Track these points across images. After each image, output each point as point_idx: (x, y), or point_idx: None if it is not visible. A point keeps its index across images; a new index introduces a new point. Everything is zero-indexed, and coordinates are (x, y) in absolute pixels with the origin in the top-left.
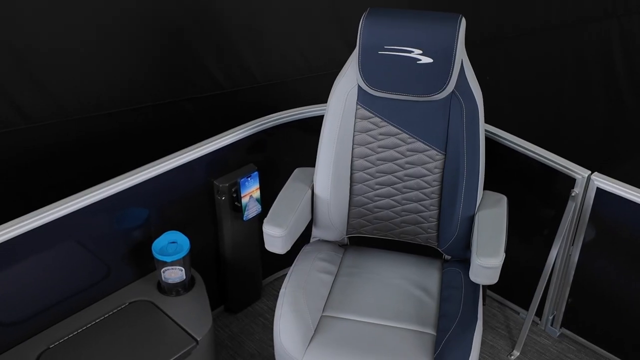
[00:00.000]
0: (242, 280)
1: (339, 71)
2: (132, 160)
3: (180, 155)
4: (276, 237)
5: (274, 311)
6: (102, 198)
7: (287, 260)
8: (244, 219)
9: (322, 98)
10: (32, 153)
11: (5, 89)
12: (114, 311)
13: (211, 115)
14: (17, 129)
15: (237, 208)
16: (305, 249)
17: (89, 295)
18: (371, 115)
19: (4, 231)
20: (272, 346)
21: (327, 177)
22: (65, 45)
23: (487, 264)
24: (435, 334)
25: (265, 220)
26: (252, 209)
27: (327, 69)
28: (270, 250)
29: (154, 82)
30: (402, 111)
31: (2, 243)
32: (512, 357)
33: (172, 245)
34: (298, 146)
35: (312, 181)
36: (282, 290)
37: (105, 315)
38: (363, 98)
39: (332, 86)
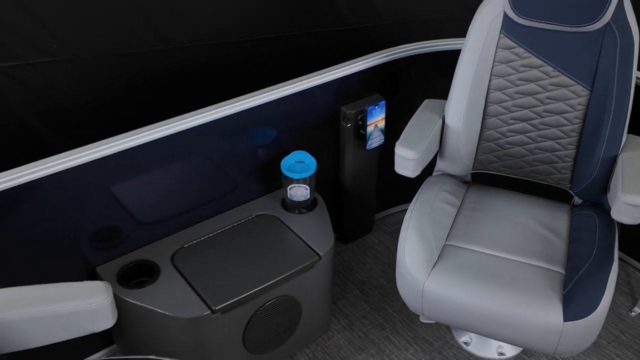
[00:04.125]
0: (357, 210)
1: (466, 14)
2: (257, 88)
3: (309, 78)
4: (408, 160)
5: (385, 244)
6: (233, 113)
7: (400, 197)
8: (367, 148)
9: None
10: (165, 73)
11: (143, 11)
12: (242, 221)
13: (333, 50)
14: (153, 49)
15: (361, 136)
16: (430, 180)
17: (219, 205)
18: (514, 45)
19: (147, 133)
20: (382, 277)
21: (460, 108)
22: None
23: (634, 202)
24: (564, 272)
25: (397, 143)
26: (375, 139)
27: (453, 13)
28: (400, 172)
29: (281, 15)
30: (549, 42)
31: (145, 144)
32: (633, 313)
33: (299, 165)
34: (426, 80)
35: (443, 112)
36: (407, 215)
37: (234, 224)
38: (508, 26)
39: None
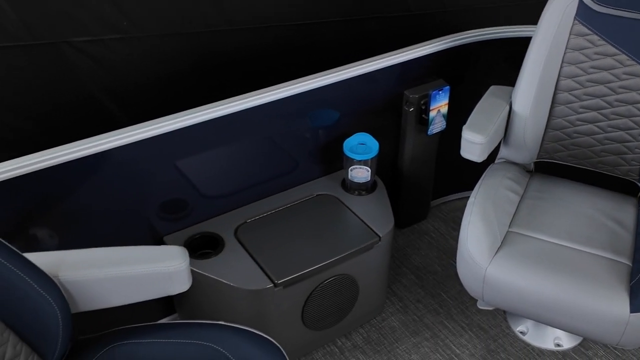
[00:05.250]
0: (413, 196)
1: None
2: (317, 71)
3: (373, 61)
4: (476, 144)
5: (440, 231)
6: (297, 93)
7: (456, 186)
8: (428, 133)
9: None
10: (230, 53)
11: None
12: (303, 200)
13: (394, 35)
14: (219, 29)
15: (423, 121)
16: (493, 166)
17: (280, 183)
18: (589, 32)
19: (212, 110)
20: (437, 263)
21: (529, 95)
22: None
23: None
24: (630, 264)
25: (465, 127)
26: (437, 124)
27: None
28: (466, 156)
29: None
30: (626, 30)
31: (210, 121)
32: None
33: (361, 146)
34: (491, 67)
35: (510, 98)
36: (470, 200)
37: (295, 202)
38: (582, 13)
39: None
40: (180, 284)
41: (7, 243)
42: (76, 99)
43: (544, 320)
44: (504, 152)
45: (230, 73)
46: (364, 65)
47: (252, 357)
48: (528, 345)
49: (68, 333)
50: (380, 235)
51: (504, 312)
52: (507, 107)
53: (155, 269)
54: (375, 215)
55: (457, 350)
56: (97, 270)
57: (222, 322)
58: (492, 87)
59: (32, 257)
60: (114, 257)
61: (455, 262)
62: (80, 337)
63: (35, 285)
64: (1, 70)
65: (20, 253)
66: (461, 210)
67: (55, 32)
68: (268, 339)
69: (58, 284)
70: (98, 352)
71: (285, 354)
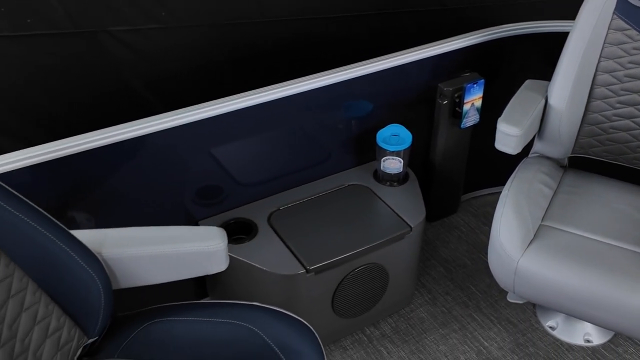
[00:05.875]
0: (444, 189)
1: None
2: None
3: (407, 53)
4: (511, 136)
5: (470, 226)
6: (330, 83)
7: (487, 181)
8: (461, 126)
9: None
10: (265, 45)
11: None
12: (335, 189)
13: (428, 30)
14: (255, 21)
15: (457, 114)
16: (527, 160)
17: (312, 172)
18: (628, 27)
19: (246, 98)
20: (467, 257)
21: (565, 89)
22: None
23: None
24: None
25: (500, 119)
26: (471, 117)
27: None
28: (501, 149)
29: None
30: None
31: (244, 109)
32: None
33: (394, 137)
34: (527, 61)
35: (546, 93)
36: (504, 192)
37: (327, 191)
38: (622, 8)
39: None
40: (218, 264)
41: (54, 219)
42: (113, 87)
43: (575, 313)
44: (538, 147)
45: (264, 64)
46: (397, 58)
47: (286, 337)
48: (557, 340)
49: (109, 309)
50: (412, 226)
51: (534, 306)
52: (543, 101)
53: (194, 249)
54: (407, 206)
55: (486, 343)
56: (139, 248)
57: (257, 303)
58: (527, 81)
59: (77, 234)
60: (155, 235)
61: (486, 256)
62: (118, 314)
63: (80, 261)
64: (43, 57)
65: (66, 229)
66: (491, 205)
67: (95, 21)
68: (302, 321)
69: (101, 261)
70: (137, 328)
71: (317, 336)
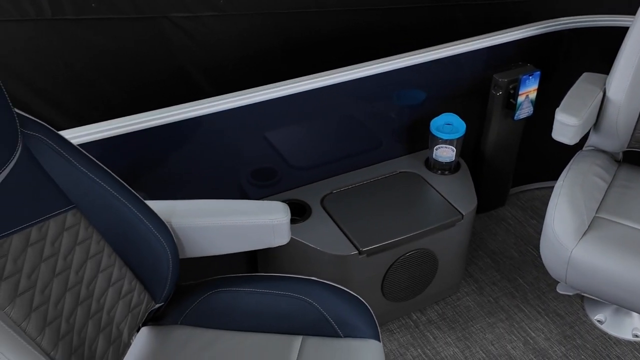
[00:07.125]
0: (493, 181)
1: None
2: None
3: (462, 43)
4: (569, 126)
5: (518, 219)
6: (381, 72)
7: (536, 175)
8: (515, 118)
9: None
10: (319, 35)
11: None
12: (386, 175)
13: (476, 23)
14: (310, 11)
15: (511, 105)
16: (582, 153)
17: (365, 158)
18: None
19: (301, 83)
20: (514, 249)
21: (624, 82)
22: None
23: None
24: None
25: (558, 109)
26: (524, 109)
27: None
28: (558, 139)
29: None
30: None
31: (299, 94)
32: None
33: (448, 126)
34: (584, 54)
35: (604, 85)
36: (558, 183)
37: (379, 177)
38: None
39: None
40: (281, 237)
41: (131, 189)
42: (169, 72)
43: (626, 304)
44: (593, 140)
45: (317, 53)
46: (453, 48)
47: (342, 312)
48: (605, 334)
49: (175, 276)
50: (463, 214)
51: (582, 300)
52: (601, 94)
53: (259, 221)
54: (458, 194)
55: (533, 334)
56: (206, 219)
57: (315, 278)
58: (585, 74)
59: (148, 203)
60: (222, 207)
61: (534, 250)
62: (182, 283)
63: (152, 228)
64: (106, 40)
65: (141, 198)
66: (540, 199)
67: (156, 7)
68: (358, 298)
69: (170, 229)
70: (200, 296)
71: (372, 313)
